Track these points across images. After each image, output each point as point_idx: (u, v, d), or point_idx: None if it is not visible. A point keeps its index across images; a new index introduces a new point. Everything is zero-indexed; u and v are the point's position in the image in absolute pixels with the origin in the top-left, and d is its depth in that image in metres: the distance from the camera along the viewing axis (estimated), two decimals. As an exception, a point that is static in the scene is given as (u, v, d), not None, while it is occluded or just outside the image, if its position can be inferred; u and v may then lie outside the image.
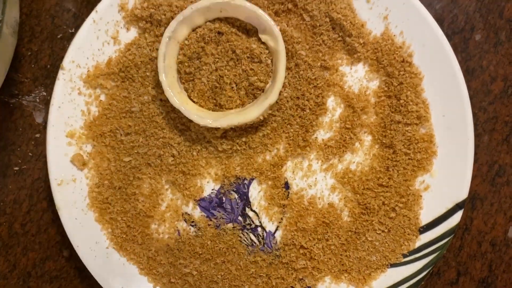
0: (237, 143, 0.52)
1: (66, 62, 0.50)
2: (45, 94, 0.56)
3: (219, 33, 0.50)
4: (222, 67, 0.50)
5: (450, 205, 0.50)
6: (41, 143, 0.55)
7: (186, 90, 0.51)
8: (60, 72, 0.50)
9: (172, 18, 0.49)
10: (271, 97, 0.48)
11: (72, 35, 0.55)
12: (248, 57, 0.49)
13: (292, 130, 0.52)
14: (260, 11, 0.47)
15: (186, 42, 0.50)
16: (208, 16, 0.49)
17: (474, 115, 0.54)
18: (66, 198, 0.51)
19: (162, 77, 0.48)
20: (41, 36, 0.56)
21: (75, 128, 0.51)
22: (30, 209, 0.55)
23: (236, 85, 0.50)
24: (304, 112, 0.51)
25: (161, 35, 0.49)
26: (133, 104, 0.52)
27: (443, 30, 0.50)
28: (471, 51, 0.55)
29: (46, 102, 0.55)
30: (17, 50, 0.55)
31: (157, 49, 0.50)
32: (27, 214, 0.55)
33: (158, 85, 0.51)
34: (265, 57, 0.48)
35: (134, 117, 0.52)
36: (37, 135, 0.55)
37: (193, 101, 0.51)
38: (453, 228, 0.50)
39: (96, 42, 0.51)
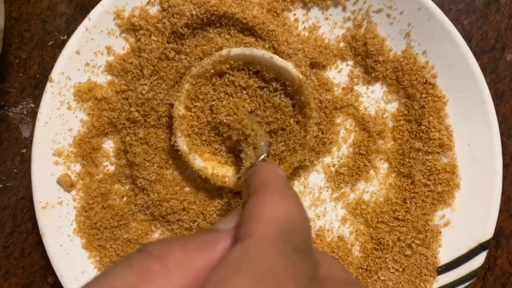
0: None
1: (55, 73, 0.46)
2: (33, 106, 0.51)
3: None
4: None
5: (472, 244, 0.46)
6: (28, 159, 0.51)
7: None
8: (48, 85, 0.46)
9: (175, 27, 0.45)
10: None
11: (64, 42, 0.50)
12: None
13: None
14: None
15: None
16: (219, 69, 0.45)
17: (502, 143, 0.49)
18: (51, 223, 0.47)
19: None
20: (31, 43, 0.51)
21: (63, 146, 0.47)
22: (14, 230, 0.51)
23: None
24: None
25: (158, 47, 0.45)
26: (127, 121, 0.47)
27: (471, 49, 0.45)
28: (502, 73, 0.50)
29: (34, 115, 0.51)
30: (4, 57, 0.51)
31: (155, 59, 0.45)
32: (10, 235, 0.51)
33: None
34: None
35: (127, 135, 0.47)
36: (23, 150, 0.51)
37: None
38: (475, 271, 0.45)
39: (88, 52, 0.47)
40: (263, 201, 0.24)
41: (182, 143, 0.45)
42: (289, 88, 0.44)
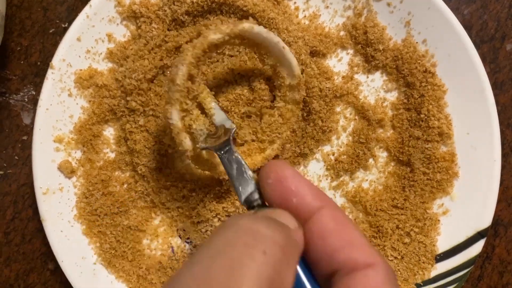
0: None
1: (56, 60, 0.46)
2: (34, 93, 0.51)
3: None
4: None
5: (471, 232, 0.46)
6: (29, 146, 0.51)
7: None
8: (49, 71, 0.46)
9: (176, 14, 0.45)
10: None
11: (65, 30, 0.50)
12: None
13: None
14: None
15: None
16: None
17: (502, 132, 0.49)
18: (51, 209, 0.47)
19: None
20: (32, 30, 0.51)
21: (64, 133, 0.47)
22: (15, 216, 0.51)
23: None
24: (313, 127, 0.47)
25: (159, 34, 0.45)
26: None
27: (470, 38, 0.45)
28: (501, 62, 0.50)
29: (35, 102, 0.51)
30: (5, 44, 0.51)
31: (156, 46, 0.46)
32: (11, 222, 0.51)
33: (155, 89, 0.46)
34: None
35: (128, 123, 0.48)
36: (25, 137, 0.51)
37: None
38: (473, 259, 0.45)
39: (89, 40, 0.47)
40: None
41: (176, 117, 0.39)
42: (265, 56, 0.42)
